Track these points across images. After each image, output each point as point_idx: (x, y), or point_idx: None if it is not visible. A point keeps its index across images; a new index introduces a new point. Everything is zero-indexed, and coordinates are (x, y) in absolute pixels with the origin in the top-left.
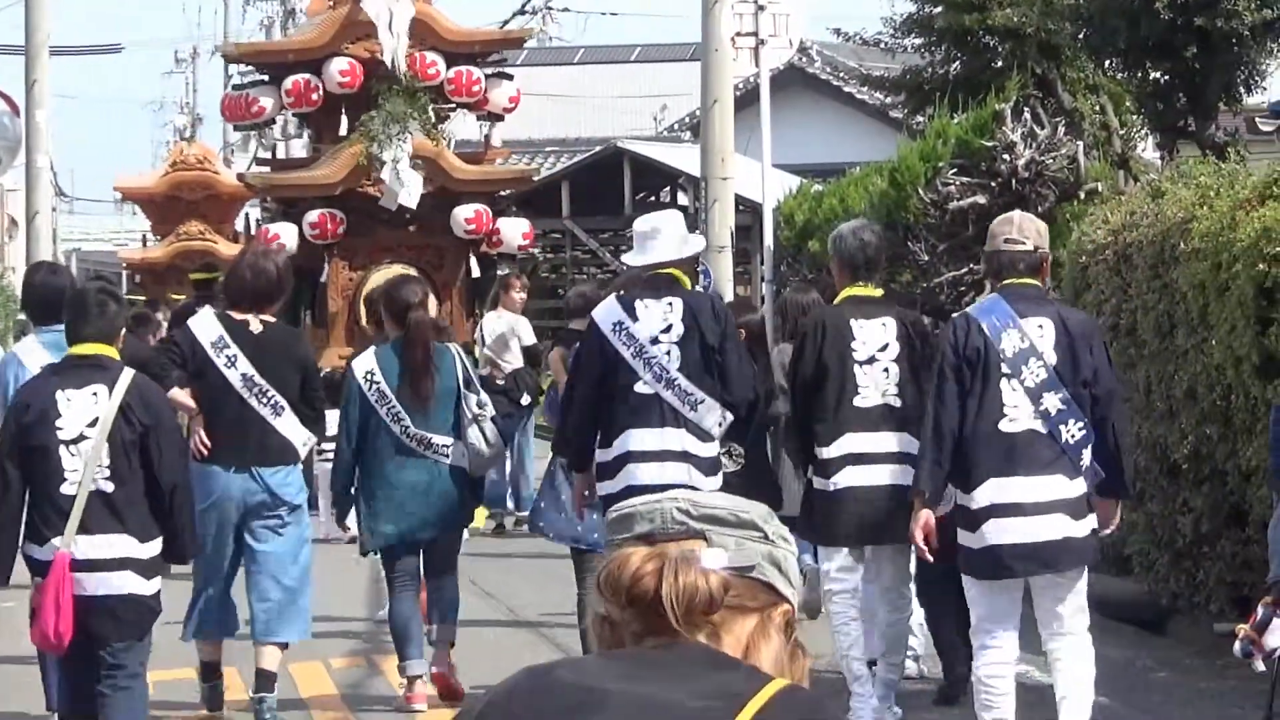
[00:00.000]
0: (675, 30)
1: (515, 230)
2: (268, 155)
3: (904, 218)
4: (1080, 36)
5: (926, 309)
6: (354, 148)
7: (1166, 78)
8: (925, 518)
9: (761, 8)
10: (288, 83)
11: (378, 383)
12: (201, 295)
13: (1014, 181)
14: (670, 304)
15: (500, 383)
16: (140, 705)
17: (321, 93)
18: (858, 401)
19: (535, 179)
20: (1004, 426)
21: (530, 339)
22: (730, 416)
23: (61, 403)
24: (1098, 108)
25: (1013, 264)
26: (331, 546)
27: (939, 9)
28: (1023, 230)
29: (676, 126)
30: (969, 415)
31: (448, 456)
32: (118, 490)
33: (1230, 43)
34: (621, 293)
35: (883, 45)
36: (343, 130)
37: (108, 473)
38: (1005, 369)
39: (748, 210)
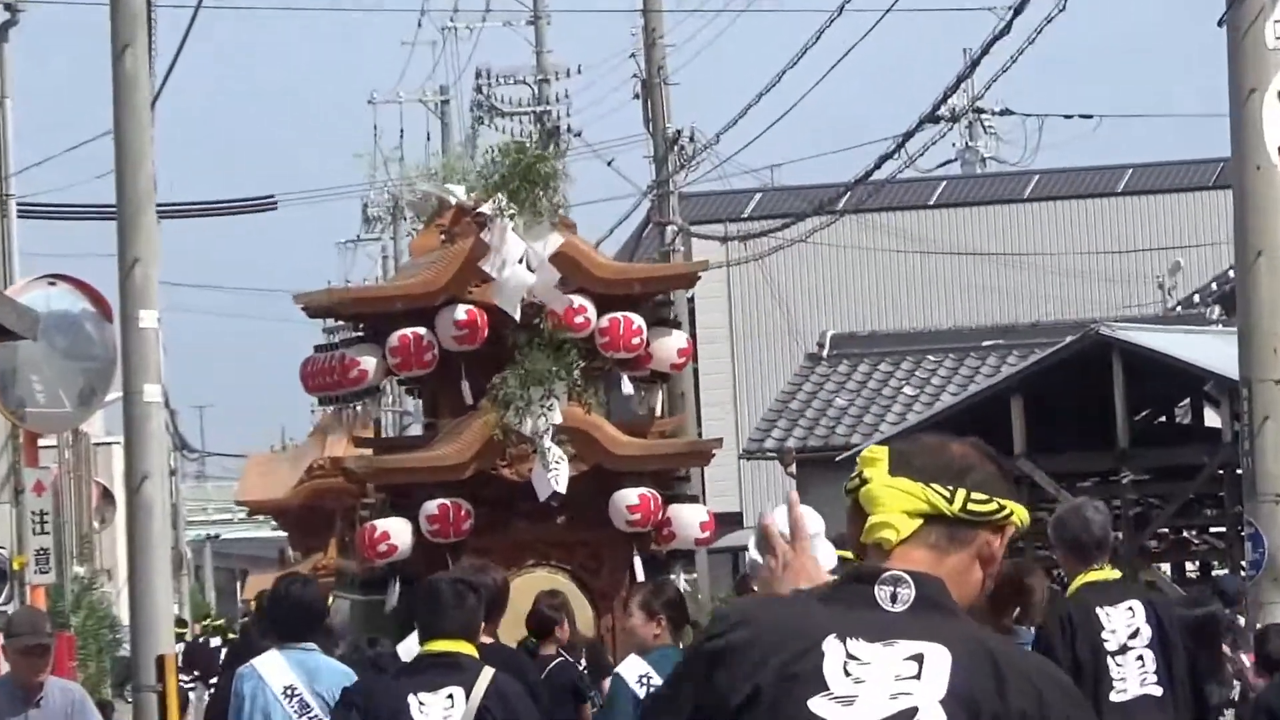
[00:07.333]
0: (1174, 144)
1: (693, 519)
2: (369, 434)
3: None
4: None
5: None
6: (484, 418)
7: None
8: None
9: None
10: (393, 339)
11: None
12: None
13: None
14: None
15: None
16: None
17: (436, 351)
18: (1114, 696)
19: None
20: None
21: None
22: None
23: (414, 707)
24: None
25: None
26: None
27: None
28: None
29: (1197, 299)
30: None
31: None
32: None
33: None
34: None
35: None
36: (466, 399)
37: None
38: None
39: None
